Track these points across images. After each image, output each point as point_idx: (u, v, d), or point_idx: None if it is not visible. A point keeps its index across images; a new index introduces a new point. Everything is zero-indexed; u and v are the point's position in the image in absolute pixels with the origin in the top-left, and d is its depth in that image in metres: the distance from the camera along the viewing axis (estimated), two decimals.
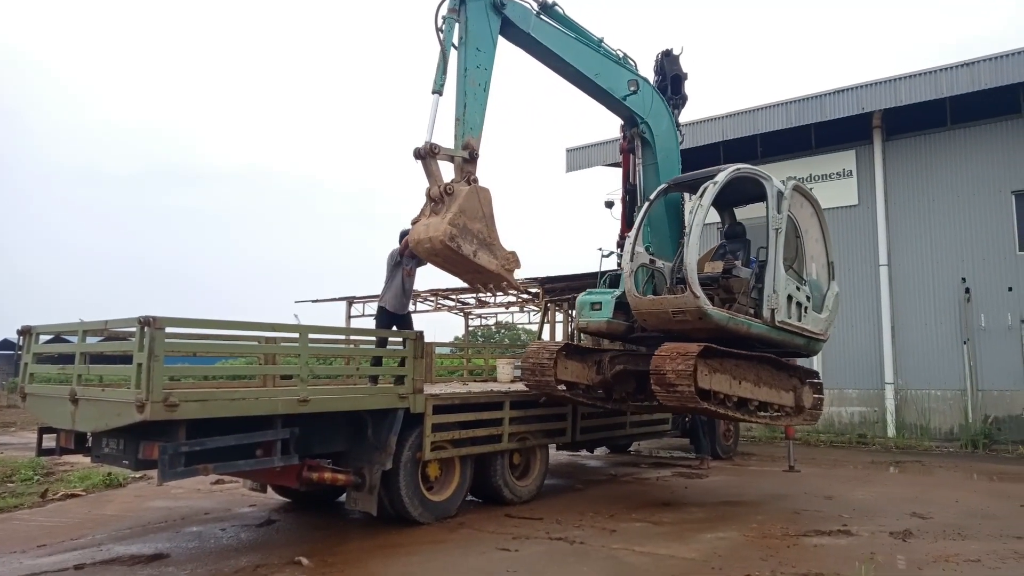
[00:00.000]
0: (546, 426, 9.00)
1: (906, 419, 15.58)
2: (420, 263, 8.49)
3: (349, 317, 28.47)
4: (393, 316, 8.47)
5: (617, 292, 8.54)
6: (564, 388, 8.58)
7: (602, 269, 9.28)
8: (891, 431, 15.50)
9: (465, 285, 23.84)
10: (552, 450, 10.20)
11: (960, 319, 15.16)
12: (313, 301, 28.54)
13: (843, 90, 15.80)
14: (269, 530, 7.30)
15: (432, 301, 27.66)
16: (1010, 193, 14.86)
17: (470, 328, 33.62)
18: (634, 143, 9.42)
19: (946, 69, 14.53)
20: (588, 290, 8.99)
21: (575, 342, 10.09)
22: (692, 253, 7.42)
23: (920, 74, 14.86)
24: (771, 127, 16.81)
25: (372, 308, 29.27)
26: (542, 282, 20.23)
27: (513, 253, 7.13)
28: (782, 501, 8.70)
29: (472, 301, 27.86)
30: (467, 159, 6.98)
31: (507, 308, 28.38)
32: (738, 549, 6.41)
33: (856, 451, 14.12)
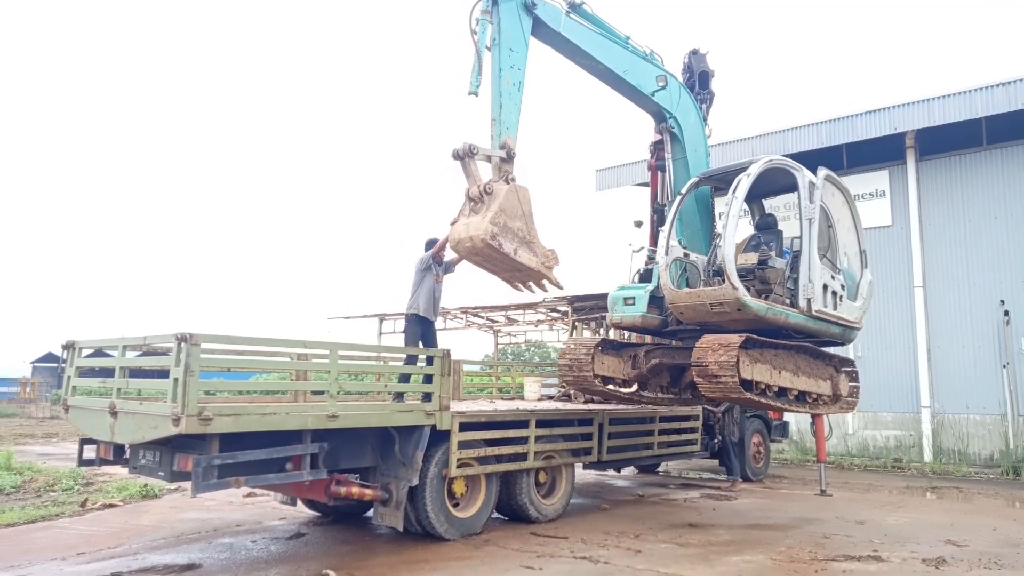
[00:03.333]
0: (572, 444, 9.03)
1: (943, 444, 15.21)
2: (449, 269, 8.60)
3: (380, 333, 28.77)
4: (424, 320, 8.43)
5: (650, 286, 8.62)
6: (601, 383, 8.66)
7: (632, 265, 9.38)
8: (927, 456, 15.15)
9: (494, 303, 23.75)
10: (579, 469, 10.22)
11: (999, 342, 14.80)
12: (345, 318, 28.94)
13: (875, 111, 15.67)
14: (298, 543, 7.43)
15: (462, 318, 27.82)
16: None
17: (499, 346, 33.70)
18: (662, 140, 9.53)
19: (981, 89, 14.31)
20: (620, 285, 9.05)
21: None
22: (729, 245, 7.47)
23: (954, 94, 14.66)
24: (802, 147, 16.68)
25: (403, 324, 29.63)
26: (571, 300, 20.26)
27: (552, 250, 7.23)
28: (812, 525, 8.57)
29: (502, 319, 27.96)
30: (505, 158, 7.08)
31: (536, 326, 28.41)
32: (764, 573, 6.35)
33: (891, 476, 13.82)
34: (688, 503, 10.17)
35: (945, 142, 15.77)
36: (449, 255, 8.28)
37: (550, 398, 12.39)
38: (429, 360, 7.70)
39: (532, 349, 41.11)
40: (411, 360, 8.12)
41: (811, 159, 17.17)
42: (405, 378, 7.91)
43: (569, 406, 10.48)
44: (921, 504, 10.46)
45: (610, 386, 8.84)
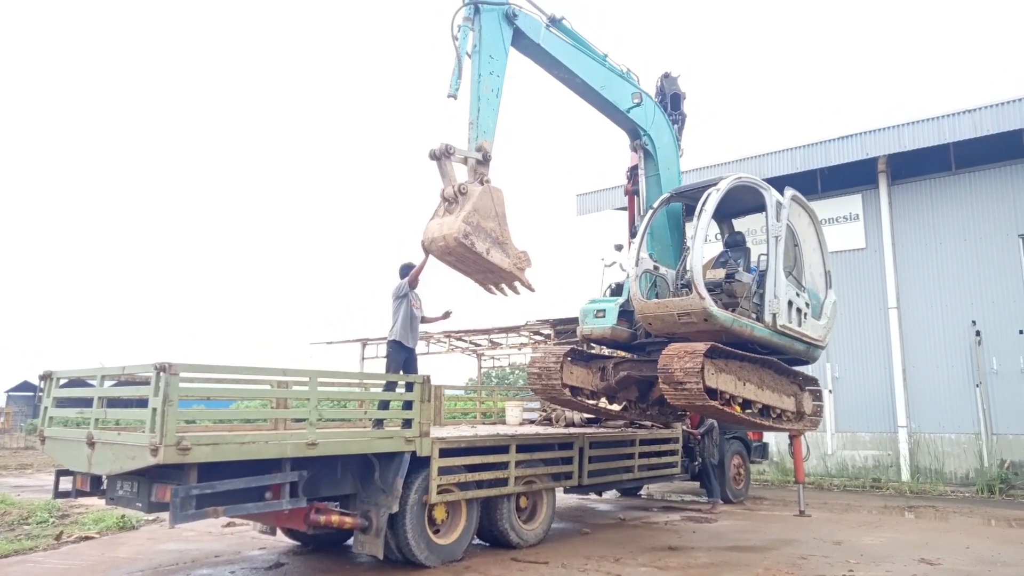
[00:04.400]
0: (553, 469, 9.08)
1: (920, 463, 15.41)
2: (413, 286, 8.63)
3: (363, 359, 28.65)
4: (404, 347, 8.48)
5: (621, 299, 8.79)
6: (569, 393, 8.76)
7: (604, 280, 9.57)
8: (905, 475, 15.33)
9: (477, 327, 23.79)
10: (561, 493, 10.24)
11: (972, 362, 15.09)
12: (327, 343, 28.80)
13: (848, 136, 16.07)
14: (278, 573, 7.39)
15: (445, 342, 27.79)
16: (1017, 236, 14.92)
17: (483, 370, 33.63)
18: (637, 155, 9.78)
19: (949, 116, 14.76)
20: (592, 298, 9.20)
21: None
22: (697, 256, 7.67)
23: (923, 120, 15.09)
24: (778, 172, 17.02)
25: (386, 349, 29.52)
26: (553, 323, 20.36)
27: (525, 252, 7.33)
28: (790, 546, 8.65)
29: (485, 342, 27.96)
30: (480, 161, 7.23)
31: (519, 349, 28.43)
32: None
33: (869, 495, 13.96)
34: (669, 526, 10.22)
35: (916, 167, 16.19)
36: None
37: (532, 422, 12.43)
38: (409, 387, 7.73)
39: (516, 372, 41.11)
40: (391, 387, 8.14)
41: (787, 183, 17.52)
42: (385, 405, 7.93)
43: (550, 430, 10.53)
44: (898, 523, 10.58)
45: (579, 397, 8.96)
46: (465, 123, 7.42)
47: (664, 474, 11.65)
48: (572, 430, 10.60)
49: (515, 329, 24.02)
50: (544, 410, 12.29)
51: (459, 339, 27.87)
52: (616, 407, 9.38)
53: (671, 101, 10.27)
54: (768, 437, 14.88)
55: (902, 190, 16.49)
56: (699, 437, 12.12)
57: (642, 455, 10.76)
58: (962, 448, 15.03)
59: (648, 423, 11.43)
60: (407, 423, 7.44)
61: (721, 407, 7.55)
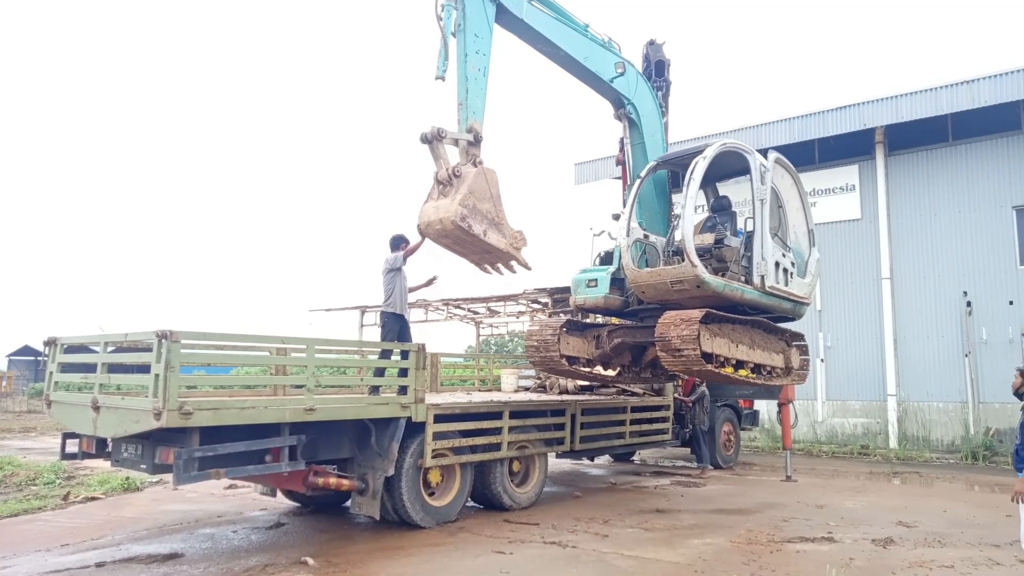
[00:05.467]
0: (545, 435, 9.32)
1: (908, 431, 15.74)
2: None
3: (362, 325, 28.89)
4: (401, 318, 8.64)
5: (611, 268, 8.98)
6: (567, 363, 9.03)
7: (594, 248, 9.75)
8: (893, 442, 15.67)
9: (476, 295, 24.02)
10: (555, 458, 10.53)
11: (962, 332, 15.31)
12: (326, 310, 29.00)
13: (846, 107, 16.07)
14: (278, 532, 7.66)
15: (443, 310, 28.01)
16: (1011, 208, 15.04)
17: (481, 337, 33.93)
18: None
19: (947, 87, 14.77)
20: (583, 268, 9.38)
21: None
22: (688, 225, 7.84)
23: (921, 91, 15.10)
24: (775, 142, 17.01)
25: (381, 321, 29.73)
26: (551, 292, 20.54)
27: (520, 232, 7.48)
28: (774, 509, 8.94)
29: (483, 310, 28.18)
30: (472, 142, 7.31)
31: (518, 317, 28.65)
32: (723, 554, 6.69)
33: (857, 462, 14.29)
34: (658, 490, 10.52)
35: (913, 138, 16.22)
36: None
37: (526, 389, 12.68)
38: (405, 354, 7.93)
39: (515, 340, 41.44)
40: (387, 355, 8.32)
41: (784, 153, 17.56)
42: (380, 372, 8.13)
43: (543, 397, 10.76)
44: (881, 489, 10.89)
45: (575, 366, 9.21)
46: (454, 104, 7.47)
47: (655, 440, 11.92)
48: (565, 397, 10.83)
49: (513, 297, 24.16)
50: (539, 377, 12.51)
51: (457, 307, 28.04)
52: (612, 372, 9.64)
53: (655, 68, 10.35)
54: (759, 405, 15.18)
55: (899, 161, 16.55)
56: (690, 404, 12.38)
57: (633, 422, 11.00)
58: (949, 416, 15.33)
59: (640, 390, 11.69)
60: (403, 390, 7.65)
61: (716, 370, 7.83)
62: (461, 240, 7.14)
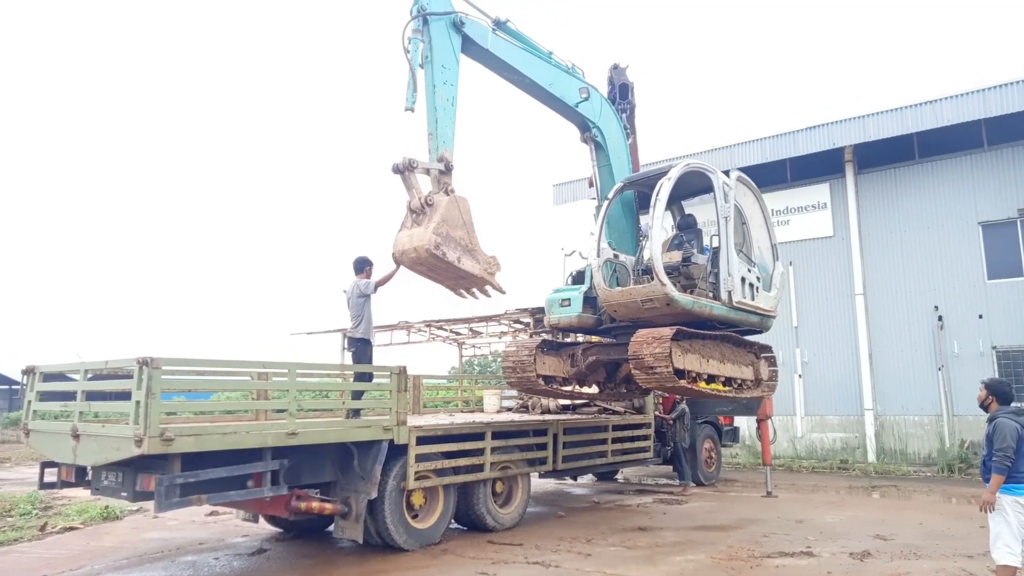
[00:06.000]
0: (528, 455, 9.38)
1: (885, 444, 15.97)
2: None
3: (344, 349, 28.74)
4: (368, 343, 8.64)
5: (584, 287, 9.14)
6: (543, 383, 9.16)
7: (565, 268, 9.93)
8: (871, 456, 15.88)
9: (458, 316, 23.95)
10: (538, 478, 10.56)
11: (935, 346, 15.63)
12: (308, 333, 28.85)
13: (816, 127, 16.47)
14: (261, 559, 7.62)
15: (426, 332, 28.00)
16: (977, 224, 15.44)
17: (464, 358, 33.89)
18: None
19: (912, 107, 15.21)
20: (556, 288, 9.52)
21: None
22: (656, 245, 8.02)
23: (888, 111, 15.53)
24: (748, 161, 17.40)
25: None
26: (532, 312, 20.66)
27: (494, 257, 7.62)
28: (754, 525, 9.05)
29: (466, 331, 28.21)
30: (443, 171, 7.43)
31: (500, 337, 28.70)
32: (703, 570, 6.77)
33: (836, 476, 14.46)
34: (640, 508, 10.59)
35: (882, 156, 16.65)
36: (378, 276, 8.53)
37: (509, 410, 12.72)
38: (369, 377, 8.08)
39: (498, 361, 41.35)
40: (363, 379, 8.32)
41: (757, 172, 17.90)
42: (358, 395, 8.13)
43: (525, 417, 10.83)
44: (860, 503, 11.04)
45: (552, 385, 9.35)
46: (424, 134, 7.61)
47: (637, 459, 12.01)
48: (547, 417, 10.91)
49: (495, 318, 24.22)
50: (521, 398, 12.58)
51: (440, 328, 28.07)
52: (589, 390, 9.77)
53: (619, 91, 10.60)
54: (739, 421, 15.32)
55: (868, 179, 16.95)
56: (671, 422, 12.49)
57: (615, 440, 11.09)
58: (925, 429, 15.59)
59: (621, 409, 11.80)
60: (381, 413, 7.68)
61: (688, 385, 7.99)
62: (436, 267, 7.26)
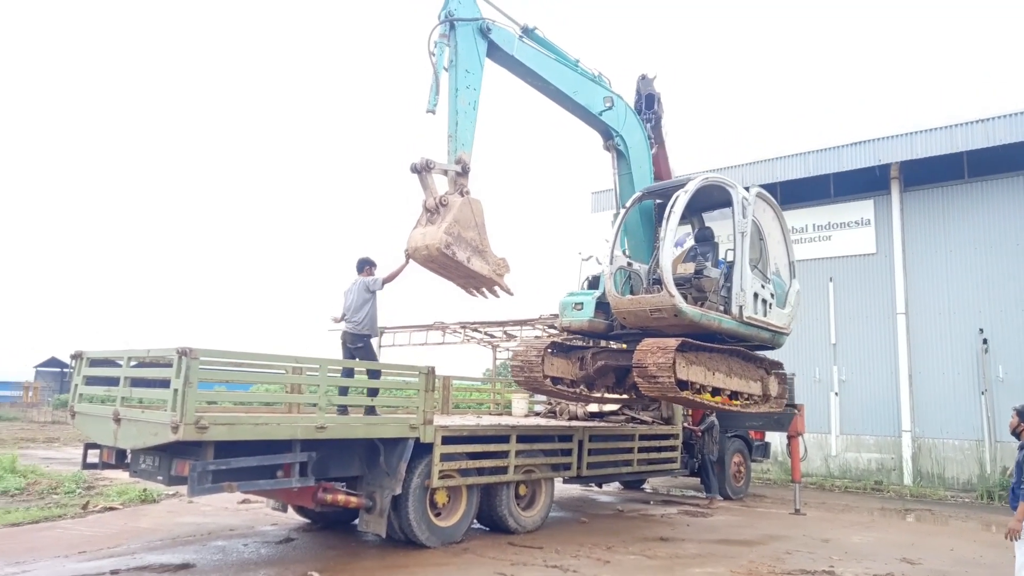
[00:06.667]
0: (552, 460, 9.44)
1: (923, 467, 15.58)
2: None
3: (380, 346, 29.17)
4: (369, 339, 8.66)
5: (597, 293, 9.21)
6: (551, 383, 9.23)
7: (582, 273, 9.99)
8: (907, 479, 15.51)
9: (493, 319, 24.21)
10: (564, 484, 10.61)
11: (978, 369, 15.21)
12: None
13: (861, 142, 16.20)
14: (287, 547, 7.85)
15: (460, 333, 28.25)
16: None
17: (498, 361, 34.06)
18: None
19: (962, 125, 14.85)
20: (570, 292, 9.59)
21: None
22: (666, 255, 8.05)
23: (937, 129, 15.20)
24: (790, 176, 17.22)
25: (403, 338, 30.08)
26: None
27: (503, 259, 7.77)
28: (778, 542, 8.96)
29: (500, 334, 28.37)
30: (460, 172, 7.60)
31: None
32: None
33: (869, 497, 14.17)
34: (664, 518, 10.56)
35: (929, 174, 16.27)
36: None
37: (537, 414, 12.81)
38: (372, 374, 8.25)
39: None
40: (375, 375, 8.42)
41: (799, 187, 17.82)
42: (373, 392, 8.20)
43: (552, 422, 10.90)
44: (890, 525, 10.83)
45: (559, 386, 9.40)
46: (445, 135, 7.74)
47: (663, 469, 11.97)
48: (574, 423, 10.96)
49: (530, 322, 24.38)
50: (549, 403, 12.65)
51: (475, 330, 28.32)
52: (597, 393, 9.81)
53: (645, 101, 10.59)
54: (770, 437, 15.14)
55: (914, 197, 16.59)
56: (699, 434, 12.43)
57: (641, 450, 11.07)
58: (964, 454, 15.17)
59: (648, 418, 11.79)
60: (370, 410, 7.86)
61: (692, 397, 8.01)
62: (446, 265, 7.44)
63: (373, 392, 8.23)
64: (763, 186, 17.54)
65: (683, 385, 7.86)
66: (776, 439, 15.82)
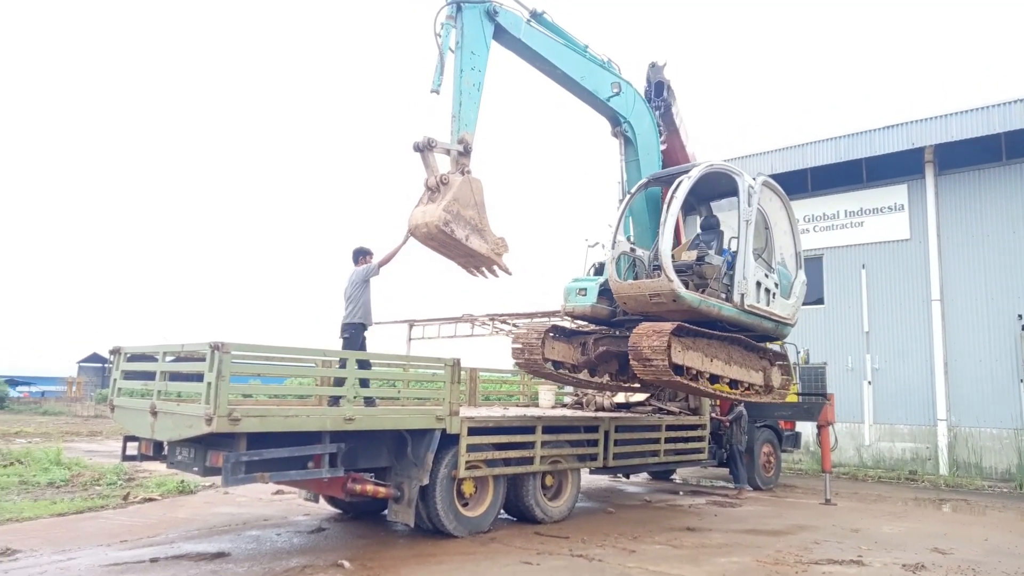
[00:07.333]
0: (578, 450, 9.50)
1: (959, 457, 15.31)
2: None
3: (410, 339, 29.49)
4: (364, 328, 8.65)
5: (601, 279, 9.25)
6: (551, 367, 9.27)
7: (588, 259, 10.05)
8: (943, 469, 15.26)
9: (521, 311, 24.31)
10: (590, 475, 10.65)
11: (1017, 357, 14.87)
12: (375, 323, 29.70)
13: (894, 126, 15.90)
14: (319, 536, 8.05)
15: (489, 325, 28.42)
16: None
17: None
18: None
19: (999, 105, 14.49)
20: (575, 277, 9.63)
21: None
22: (666, 241, 8.04)
23: (972, 110, 14.84)
24: (821, 161, 16.98)
25: (432, 331, 30.35)
26: None
27: (502, 239, 7.84)
28: (806, 532, 8.92)
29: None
30: (462, 152, 7.67)
31: None
32: (747, 572, 6.77)
33: (903, 487, 13.98)
34: (692, 509, 10.56)
35: (964, 157, 15.91)
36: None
37: (564, 406, 12.86)
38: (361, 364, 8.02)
39: None
40: (365, 365, 8.12)
41: (830, 172, 17.54)
42: (366, 383, 7.97)
43: (578, 413, 10.94)
44: (923, 515, 10.69)
45: (560, 371, 9.45)
46: (448, 116, 7.80)
47: (691, 459, 11.94)
48: (600, 414, 10.99)
49: (556, 313, 24.47)
50: (576, 394, 12.70)
51: (503, 322, 28.47)
52: (599, 379, 9.84)
53: (655, 89, 10.51)
54: (801, 426, 15.00)
55: (949, 180, 16.23)
56: (727, 424, 12.37)
57: (668, 440, 11.06)
58: (1003, 443, 14.87)
59: (676, 409, 11.77)
60: (369, 400, 7.92)
61: (687, 382, 7.98)
62: (446, 243, 7.53)
63: (364, 383, 7.87)
64: (793, 172, 17.50)
65: (678, 370, 7.85)
66: (807, 429, 15.67)
